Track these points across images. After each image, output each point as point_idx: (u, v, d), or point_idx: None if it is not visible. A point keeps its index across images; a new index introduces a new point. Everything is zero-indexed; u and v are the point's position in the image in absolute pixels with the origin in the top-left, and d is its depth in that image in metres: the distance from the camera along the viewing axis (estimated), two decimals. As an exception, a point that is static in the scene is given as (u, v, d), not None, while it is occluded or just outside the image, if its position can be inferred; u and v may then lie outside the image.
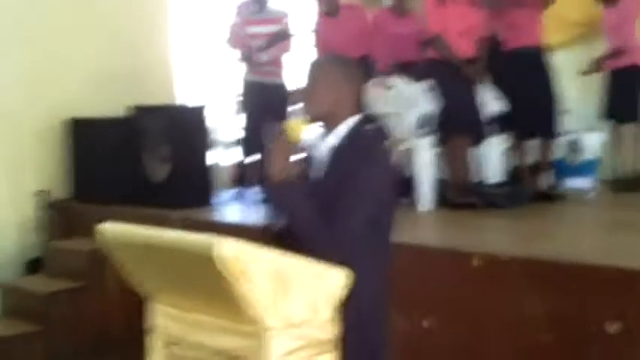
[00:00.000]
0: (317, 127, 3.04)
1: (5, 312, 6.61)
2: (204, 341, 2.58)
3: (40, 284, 6.50)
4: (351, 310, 2.62)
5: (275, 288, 2.40)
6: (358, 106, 3.01)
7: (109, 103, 7.23)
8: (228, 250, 2.32)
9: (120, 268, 2.85)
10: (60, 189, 7.41)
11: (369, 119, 3.06)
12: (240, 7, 7.54)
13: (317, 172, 2.93)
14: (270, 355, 2.40)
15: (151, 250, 2.60)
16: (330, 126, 2.96)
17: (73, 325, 6.19)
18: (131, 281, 2.86)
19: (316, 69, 3.04)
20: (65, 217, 7.19)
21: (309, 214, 2.72)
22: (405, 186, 6.63)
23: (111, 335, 6.10)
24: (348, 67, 3.06)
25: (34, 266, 7.00)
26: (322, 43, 7.24)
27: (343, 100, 2.94)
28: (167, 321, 2.73)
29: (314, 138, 3.03)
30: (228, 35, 7.54)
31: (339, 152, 2.90)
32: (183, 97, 8.63)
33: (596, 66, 7.56)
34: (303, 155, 2.99)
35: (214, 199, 7.07)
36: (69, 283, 6.37)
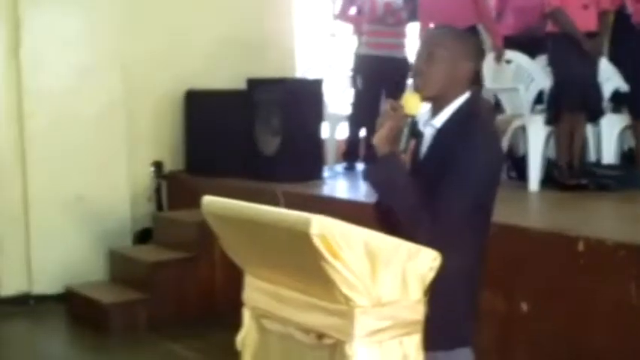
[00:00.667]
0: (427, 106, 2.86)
1: (113, 279, 6.84)
2: (292, 317, 2.59)
3: (147, 253, 6.71)
4: (442, 292, 2.58)
5: (367, 267, 2.39)
6: (471, 83, 2.83)
7: (230, 74, 7.37)
8: (324, 228, 2.31)
9: (220, 240, 2.90)
10: (174, 161, 7.59)
11: (477, 98, 2.93)
12: None
13: (421, 153, 2.81)
14: (357, 333, 2.40)
15: (248, 224, 2.63)
16: (439, 105, 2.79)
17: (178, 294, 6.37)
18: (229, 253, 2.90)
19: (433, 44, 2.80)
20: (177, 188, 7.36)
21: (409, 196, 2.63)
22: (518, 164, 6.55)
23: (215, 306, 6.23)
24: (467, 42, 2.86)
25: (144, 236, 7.20)
26: (426, 9, 6.93)
27: (460, 79, 2.77)
28: (260, 294, 2.75)
29: (423, 117, 2.86)
30: (338, 9, 7.54)
31: (444, 134, 2.75)
32: (304, 69, 8.69)
33: None
34: (411, 133, 2.80)
35: (325, 174, 7.11)
36: (176, 253, 6.54)
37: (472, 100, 2.82)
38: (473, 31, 6.70)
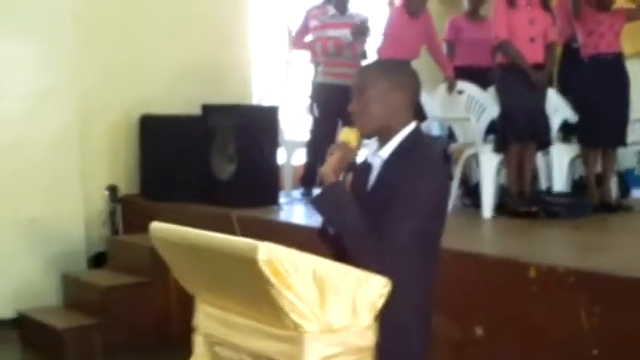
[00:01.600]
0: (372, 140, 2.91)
1: (67, 303, 6.76)
2: (243, 343, 2.60)
3: (102, 278, 6.63)
4: (391, 319, 2.61)
5: (315, 293, 2.42)
6: (412, 113, 2.85)
7: (186, 101, 7.36)
8: (272, 254, 2.34)
9: (169, 266, 2.91)
10: (129, 185, 7.56)
11: (420, 129, 2.93)
12: (310, 11, 7.57)
13: (370, 184, 2.83)
14: (308, 359, 2.42)
15: (196, 250, 2.64)
16: (384, 137, 2.82)
17: (131, 319, 6.29)
18: (179, 279, 2.91)
19: (360, 85, 2.83)
20: (132, 212, 7.32)
21: (356, 223, 2.65)
22: (472, 192, 6.63)
23: (170, 331, 6.19)
24: (394, 74, 2.85)
25: (99, 260, 7.14)
26: (394, 39, 7.05)
27: (395, 111, 2.79)
28: (211, 321, 2.76)
29: (370, 150, 2.91)
30: (292, 38, 7.59)
31: (390, 165, 2.78)
32: (260, 96, 8.72)
33: None
34: (358, 164, 2.86)
35: (281, 199, 7.12)
36: (131, 278, 6.49)
37: (417, 130, 2.85)
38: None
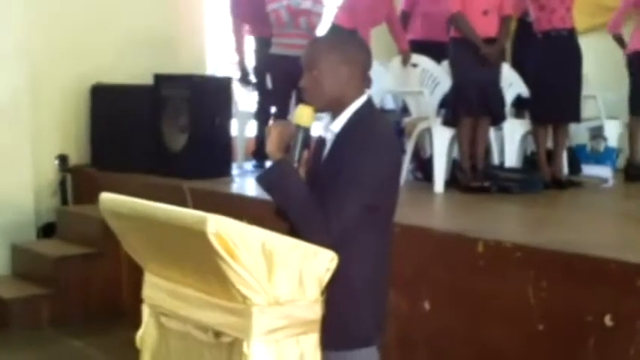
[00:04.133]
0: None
1: (16, 274, 6.72)
2: (190, 315, 2.60)
3: (51, 248, 6.60)
4: (339, 292, 2.61)
5: (263, 266, 2.41)
6: (364, 85, 2.83)
7: (139, 70, 7.27)
8: (221, 226, 2.33)
9: (119, 238, 2.89)
10: (79, 155, 7.50)
11: (372, 101, 2.92)
12: None
13: (318, 160, 2.83)
14: (255, 332, 2.42)
15: (145, 222, 2.62)
16: (336, 111, 2.80)
17: (82, 290, 6.28)
18: (128, 251, 2.89)
19: (308, 60, 2.80)
20: (82, 182, 7.27)
21: (302, 200, 2.64)
22: (425, 166, 6.66)
23: (120, 303, 6.18)
24: (347, 46, 2.84)
25: (48, 230, 7.09)
26: (352, 8, 6.97)
27: (344, 85, 2.77)
28: (158, 292, 2.76)
29: (324, 122, 2.88)
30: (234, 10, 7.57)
31: (341, 138, 2.76)
32: (214, 67, 8.67)
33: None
34: (304, 144, 2.81)
35: (234, 171, 7.10)
36: (81, 248, 6.47)
37: (368, 103, 2.83)
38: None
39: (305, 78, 2.81)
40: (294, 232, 2.65)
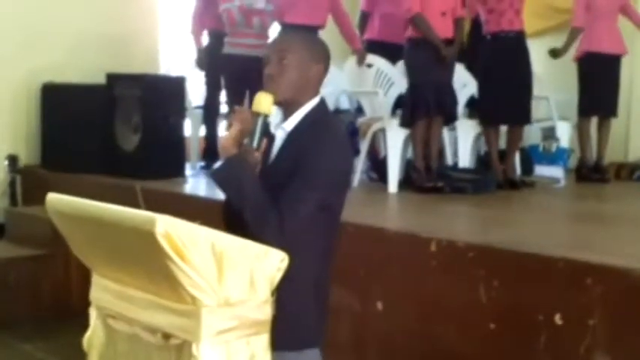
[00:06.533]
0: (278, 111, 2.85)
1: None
2: (138, 317, 2.56)
3: (0, 250, 6.48)
4: (289, 293, 2.60)
5: (213, 267, 2.39)
6: (319, 89, 2.85)
7: (91, 70, 7.22)
8: (170, 227, 2.29)
9: (66, 239, 2.85)
10: (29, 155, 7.41)
11: (325, 103, 2.92)
12: None
13: (272, 156, 2.80)
14: (204, 333, 2.39)
15: (93, 223, 2.58)
16: (291, 109, 2.80)
17: (31, 292, 6.19)
18: (75, 252, 2.85)
19: (282, 49, 2.79)
20: (32, 183, 7.18)
21: (256, 197, 2.62)
22: (379, 166, 6.66)
23: (70, 305, 6.08)
24: (315, 45, 2.89)
25: (-3, 231, 6.99)
26: (297, 3, 6.85)
27: (311, 82, 2.79)
28: (106, 294, 2.71)
29: (275, 121, 2.85)
30: (191, 25, 7.53)
31: (294, 138, 2.75)
32: (167, 66, 8.62)
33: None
34: (264, 132, 2.76)
35: (187, 171, 7.06)
36: (30, 250, 6.37)
37: (322, 104, 2.84)
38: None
39: (272, 65, 2.78)
40: (232, 232, 2.62)
